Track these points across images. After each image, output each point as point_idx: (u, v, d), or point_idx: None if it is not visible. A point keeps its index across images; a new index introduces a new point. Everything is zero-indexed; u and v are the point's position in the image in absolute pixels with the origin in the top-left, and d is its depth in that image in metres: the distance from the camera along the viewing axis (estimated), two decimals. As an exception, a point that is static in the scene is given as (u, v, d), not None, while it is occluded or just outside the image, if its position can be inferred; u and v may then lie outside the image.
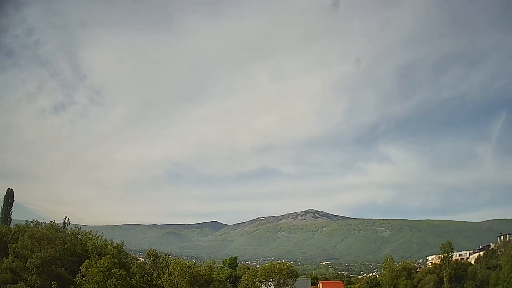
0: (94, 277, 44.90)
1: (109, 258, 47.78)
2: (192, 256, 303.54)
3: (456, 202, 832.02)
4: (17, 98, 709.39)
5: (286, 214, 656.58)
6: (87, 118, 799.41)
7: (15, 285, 48.56)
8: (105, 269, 45.41)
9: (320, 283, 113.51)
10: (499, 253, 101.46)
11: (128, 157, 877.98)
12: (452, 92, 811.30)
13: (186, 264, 54.86)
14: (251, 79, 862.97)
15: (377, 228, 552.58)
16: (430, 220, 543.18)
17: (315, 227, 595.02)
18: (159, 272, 53.30)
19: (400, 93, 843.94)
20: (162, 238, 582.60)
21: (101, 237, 63.02)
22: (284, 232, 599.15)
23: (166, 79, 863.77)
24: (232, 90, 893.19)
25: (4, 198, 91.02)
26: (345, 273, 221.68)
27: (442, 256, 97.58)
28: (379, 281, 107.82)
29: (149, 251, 58.12)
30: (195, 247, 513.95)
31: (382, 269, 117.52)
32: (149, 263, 56.82)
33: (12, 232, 61.86)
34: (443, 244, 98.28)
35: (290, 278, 79.95)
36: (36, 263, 48.90)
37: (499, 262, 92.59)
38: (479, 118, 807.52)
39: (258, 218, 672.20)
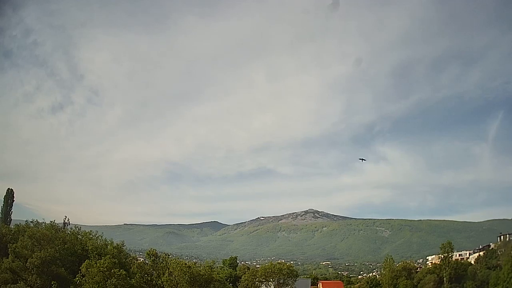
0: (94, 277, 44.90)
1: (109, 258, 47.76)
2: (192, 256, 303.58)
3: (453, 202, 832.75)
4: (16, 98, 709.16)
5: (286, 214, 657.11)
6: (85, 118, 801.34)
7: (15, 285, 48.55)
8: (105, 269, 45.41)
9: (320, 283, 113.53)
10: (499, 253, 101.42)
11: (126, 157, 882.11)
12: (449, 91, 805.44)
13: (186, 264, 54.79)
14: (247, 79, 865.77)
15: (377, 228, 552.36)
16: (430, 220, 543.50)
17: (315, 227, 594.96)
18: (159, 272, 53.23)
19: (397, 93, 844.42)
20: (162, 238, 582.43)
21: (101, 237, 63.09)
22: (284, 232, 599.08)
23: (163, 79, 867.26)
24: (228, 90, 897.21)
25: (4, 198, 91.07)
26: (345, 273, 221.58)
27: (442, 256, 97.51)
28: (379, 281, 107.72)
29: (149, 251, 58.01)
30: (195, 247, 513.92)
31: (382, 269, 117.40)
32: (149, 263, 56.73)
33: (12, 232, 62.05)
34: (443, 244, 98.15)
35: (290, 278, 79.94)
36: (36, 263, 48.94)
37: (499, 262, 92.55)
38: (477, 117, 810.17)
39: (258, 218, 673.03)
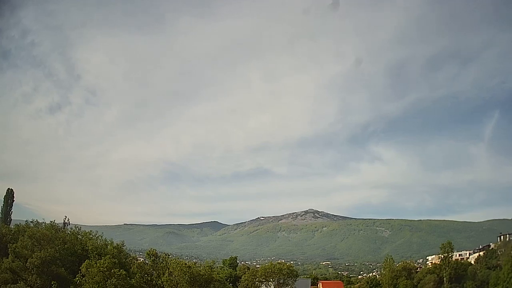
0: (94, 277, 44.88)
1: (109, 258, 47.72)
2: (192, 256, 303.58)
3: (451, 202, 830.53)
4: (15, 99, 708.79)
5: (286, 214, 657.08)
6: (83, 118, 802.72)
7: (15, 285, 48.55)
8: (105, 269, 45.39)
9: (320, 283, 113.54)
10: (499, 253, 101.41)
11: (125, 157, 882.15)
12: (446, 91, 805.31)
13: (186, 264, 54.77)
14: (244, 78, 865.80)
15: (377, 228, 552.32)
16: (430, 220, 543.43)
17: (315, 227, 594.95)
18: (159, 272, 53.22)
19: (394, 92, 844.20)
20: (162, 238, 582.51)
21: (101, 237, 63.05)
22: (284, 232, 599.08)
23: (160, 79, 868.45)
24: (225, 90, 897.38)
25: (4, 198, 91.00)
26: (345, 273, 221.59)
27: (442, 256, 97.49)
28: (379, 281, 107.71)
29: (149, 251, 57.99)
30: (195, 247, 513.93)
31: (382, 269, 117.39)
32: (149, 263, 56.71)
33: (12, 232, 62.03)
34: (443, 244, 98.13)
35: (290, 278, 79.89)
36: (36, 263, 48.93)
37: (499, 262, 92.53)
38: (473, 117, 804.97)
39: (258, 218, 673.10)
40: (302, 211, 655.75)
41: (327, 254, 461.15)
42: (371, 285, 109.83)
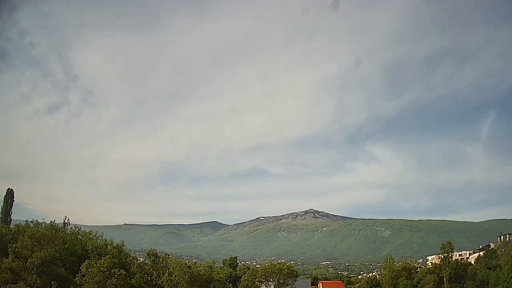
0: (94, 277, 44.88)
1: (109, 258, 47.72)
2: (192, 256, 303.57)
3: (449, 202, 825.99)
4: (14, 99, 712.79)
5: (286, 214, 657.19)
6: (81, 118, 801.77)
7: (15, 285, 48.55)
8: (105, 269, 45.39)
9: (320, 283, 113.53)
10: (499, 253, 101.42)
11: (123, 157, 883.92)
12: (443, 90, 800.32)
13: (186, 264, 54.77)
14: (240, 78, 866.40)
15: (377, 228, 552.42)
16: (430, 220, 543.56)
17: (315, 227, 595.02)
18: (159, 272, 53.22)
19: (391, 92, 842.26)
20: (162, 238, 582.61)
21: (101, 237, 63.04)
22: (284, 232, 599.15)
23: (156, 79, 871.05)
24: (222, 89, 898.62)
25: (4, 198, 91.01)
26: (345, 273, 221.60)
27: (442, 256, 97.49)
28: (379, 281, 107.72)
29: (149, 251, 57.98)
30: (195, 247, 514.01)
31: (382, 269, 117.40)
32: (149, 263, 56.71)
33: (12, 232, 62.03)
34: (443, 244, 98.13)
35: (290, 278, 79.89)
36: (36, 263, 48.94)
37: (499, 262, 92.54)
38: (471, 116, 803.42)
39: (258, 218, 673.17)
40: (302, 211, 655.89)
41: (327, 254, 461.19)
42: (371, 285, 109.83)
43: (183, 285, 50.14)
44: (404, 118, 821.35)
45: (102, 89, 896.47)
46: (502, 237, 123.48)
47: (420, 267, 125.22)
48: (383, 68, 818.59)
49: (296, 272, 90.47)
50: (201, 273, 53.50)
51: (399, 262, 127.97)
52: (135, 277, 50.03)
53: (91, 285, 44.87)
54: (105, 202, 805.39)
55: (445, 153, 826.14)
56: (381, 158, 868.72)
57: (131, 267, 53.69)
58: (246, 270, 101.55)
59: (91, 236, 62.51)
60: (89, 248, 55.56)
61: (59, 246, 54.37)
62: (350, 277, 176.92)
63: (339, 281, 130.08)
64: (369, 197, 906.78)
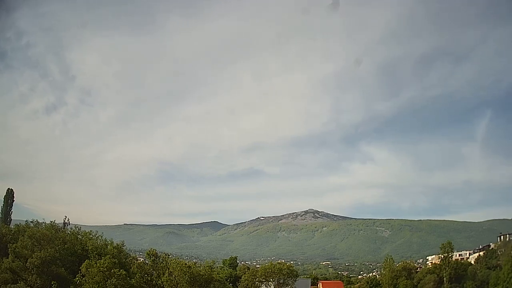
0: (94, 277, 44.89)
1: (109, 258, 47.73)
2: (192, 256, 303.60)
3: (447, 203, 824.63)
4: (13, 100, 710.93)
5: (286, 214, 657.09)
6: (79, 118, 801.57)
7: (15, 285, 48.55)
8: (105, 269, 45.40)
9: (320, 283, 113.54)
10: (499, 253, 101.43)
11: (122, 157, 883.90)
12: (440, 89, 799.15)
13: (186, 264, 54.78)
14: (236, 78, 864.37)
15: (377, 228, 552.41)
16: (430, 220, 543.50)
17: (315, 227, 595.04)
18: (159, 272, 53.23)
19: (387, 91, 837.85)
20: (162, 238, 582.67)
21: (101, 237, 63.05)
22: (284, 232, 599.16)
23: (153, 79, 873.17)
24: (218, 89, 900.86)
25: (4, 198, 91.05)
26: (345, 273, 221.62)
27: (442, 256, 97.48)
28: (379, 281, 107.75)
29: (149, 251, 57.99)
30: (195, 247, 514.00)
31: (382, 269, 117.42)
32: (149, 263, 56.72)
33: (12, 232, 62.05)
34: (443, 244, 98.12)
35: (290, 278, 79.91)
36: (36, 263, 48.94)
37: (499, 262, 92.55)
38: (467, 116, 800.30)
39: (258, 218, 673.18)
40: (302, 211, 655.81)
41: (327, 254, 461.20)
42: (371, 285, 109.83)
43: (183, 285, 50.13)
44: (400, 117, 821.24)
45: (99, 89, 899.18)
46: (502, 237, 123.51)
47: (420, 267, 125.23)
48: (379, 68, 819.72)
49: (296, 272, 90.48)
50: (201, 273, 53.50)
51: (399, 262, 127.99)
52: (135, 277, 50.03)
53: (91, 285, 44.87)
54: (105, 202, 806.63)
55: (442, 153, 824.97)
56: (378, 158, 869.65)
57: (131, 267, 53.70)
58: (246, 270, 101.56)
59: (91, 236, 62.51)
60: (89, 248, 55.56)
61: (59, 246, 54.39)
62: (350, 277, 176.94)
63: (339, 281, 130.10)
64: (367, 197, 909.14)
